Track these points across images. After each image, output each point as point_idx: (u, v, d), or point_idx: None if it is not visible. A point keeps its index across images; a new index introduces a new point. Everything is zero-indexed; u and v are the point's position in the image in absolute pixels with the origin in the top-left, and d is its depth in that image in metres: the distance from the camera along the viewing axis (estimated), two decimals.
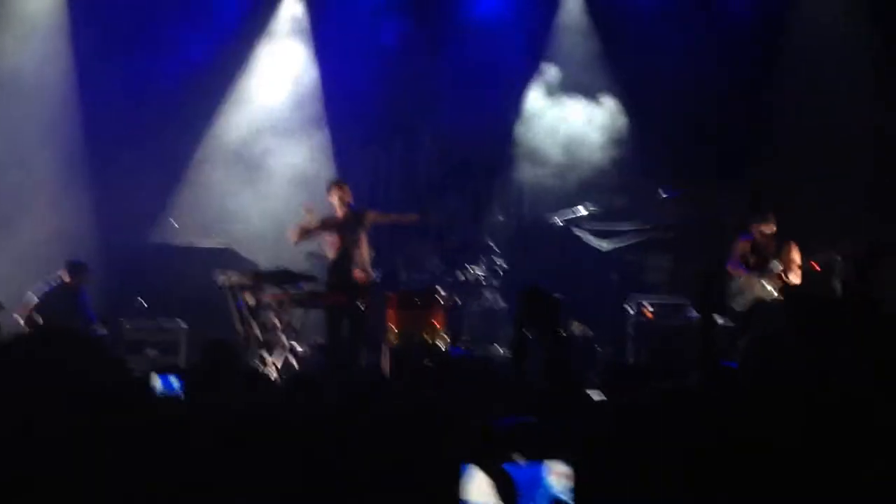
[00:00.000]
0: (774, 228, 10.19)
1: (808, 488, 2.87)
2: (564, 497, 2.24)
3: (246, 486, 3.28)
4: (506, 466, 2.18)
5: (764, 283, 10.05)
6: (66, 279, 10.82)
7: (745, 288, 10.14)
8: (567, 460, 2.23)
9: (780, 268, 9.97)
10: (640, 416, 2.79)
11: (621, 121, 12.90)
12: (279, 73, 13.62)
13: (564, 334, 10.60)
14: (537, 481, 2.22)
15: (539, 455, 2.22)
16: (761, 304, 9.99)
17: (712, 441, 2.66)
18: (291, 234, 10.26)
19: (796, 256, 10.05)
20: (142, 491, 3.15)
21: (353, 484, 3.04)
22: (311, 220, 10.14)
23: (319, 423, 4.67)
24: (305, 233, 10.24)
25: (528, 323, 5.69)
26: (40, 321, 10.46)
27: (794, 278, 9.96)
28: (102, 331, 10.92)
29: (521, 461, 2.17)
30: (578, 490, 2.20)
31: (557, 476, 2.25)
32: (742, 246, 10.27)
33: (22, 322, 10.54)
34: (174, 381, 5.06)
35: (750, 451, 2.75)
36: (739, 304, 10.15)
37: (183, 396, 5.03)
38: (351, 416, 4.45)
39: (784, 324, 9.49)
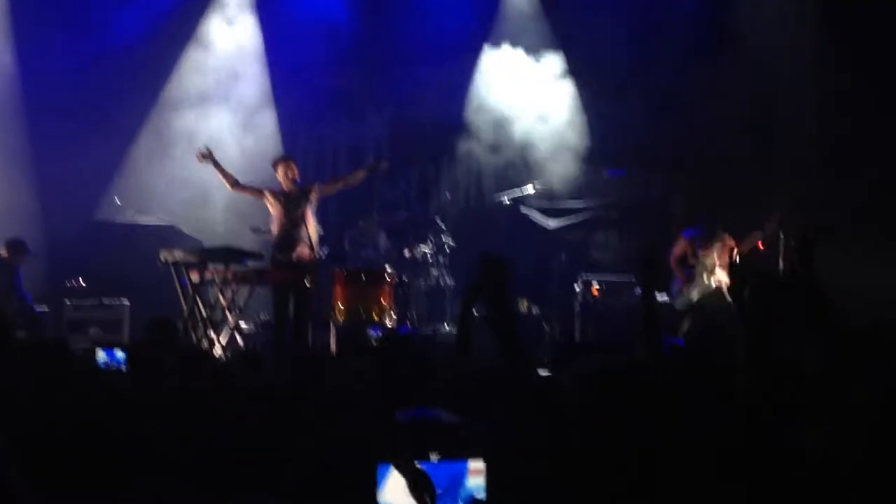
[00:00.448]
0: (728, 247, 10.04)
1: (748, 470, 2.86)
2: (480, 496, 2.11)
3: (173, 464, 3.21)
4: (423, 465, 2.08)
5: (700, 278, 9.97)
6: (4, 255, 10.57)
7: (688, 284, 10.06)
8: (483, 457, 2.13)
9: (723, 280, 9.83)
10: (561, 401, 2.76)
11: (571, 101, 12.92)
12: (225, 47, 13.45)
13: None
14: (456, 480, 2.12)
15: (456, 453, 2.12)
16: (707, 298, 9.89)
17: (641, 430, 2.60)
18: (225, 185, 10.26)
19: (729, 254, 9.94)
20: (85, 466, 3.08)
21: (273, 470, 2.99)
22: (213, 161, 10.20)
23: (259, 402, 4.64)
24: (238, 183, 10.23)
25: (481, 295, 5.62)
26: None
27: (726, 277, 9.87)
28: (40, 308, 10.75)
29: (438, 459, 2.08)
30: (493, 488, 2.11)
31: (475, 474, 2.15)
32: (683, 245, 10.16)
33: None
34: (118, 354, 5.02)
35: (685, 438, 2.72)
36: (680, 303, 10.06)
37: (126, 369, 4.99)
38: (289, 395, 4.41)
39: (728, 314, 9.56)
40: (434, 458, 2.04)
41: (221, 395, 4.19)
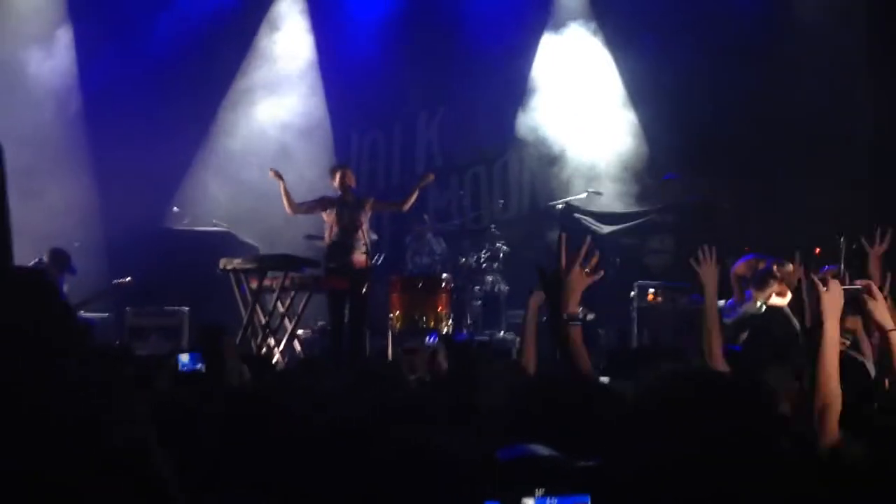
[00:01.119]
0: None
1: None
2: None
3: (241, 473, 3.22)
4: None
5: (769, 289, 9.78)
6: (48, 265, 10.56)
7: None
8: (590, 492, 2.07)
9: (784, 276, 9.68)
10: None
11: (625, 107, 12.88)
12: (279, 55, 13.58)
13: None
14: None
15: (561, 489, 2.06)
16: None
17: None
18: (286, 208, 10.30)
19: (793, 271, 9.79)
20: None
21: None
22: (282, 183, 10.18)
23: (322, 408, 4.67)
24: (298, 204, 10.28)
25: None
26: None
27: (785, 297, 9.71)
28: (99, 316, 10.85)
29: (543, 495, 1.99)
30: None
31: None
32: (744, 267, 10.01)
33: None
34: (195, 359, 5.15)
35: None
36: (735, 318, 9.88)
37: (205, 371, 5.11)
38: (356, 406, 4.44)
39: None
40: (539, 493, 1.98)
41: (288, 401, 4.21)
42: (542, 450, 2.22)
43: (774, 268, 9.19)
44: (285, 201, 10.32)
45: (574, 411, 3.19)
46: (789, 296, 9.57)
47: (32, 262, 10.49)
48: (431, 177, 10.76)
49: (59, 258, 10.58)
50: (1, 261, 2.92)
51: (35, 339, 2.20)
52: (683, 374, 2.72)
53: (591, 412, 3.22)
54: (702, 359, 4.88)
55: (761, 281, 8.52)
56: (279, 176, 10.27)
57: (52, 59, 12.77)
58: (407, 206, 10.58)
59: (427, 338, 10.01)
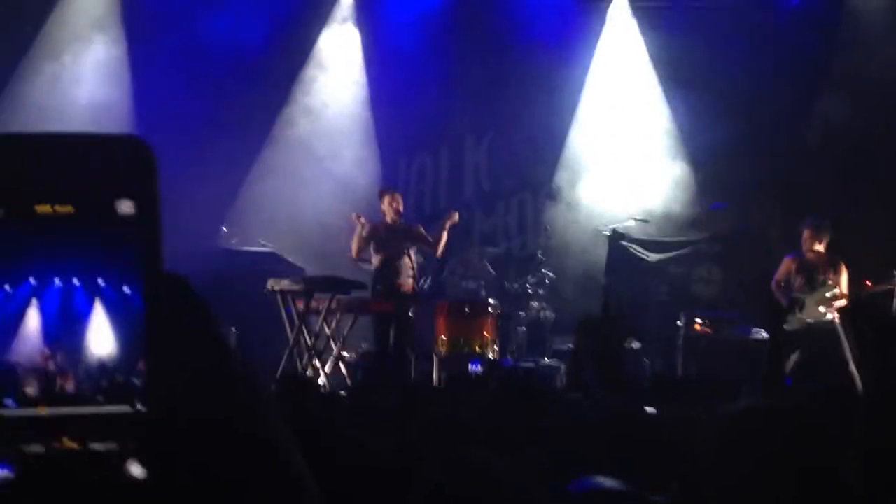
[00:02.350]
0: (825, 246, 9.85)
1: None
2: None
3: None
4: None
5: (817, 305, 9.70)
6: None
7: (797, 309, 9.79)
8: None
9: (837, 293, 9.62)
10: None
11: (672, 132, 12.83)
12: (330, 82, 13.66)
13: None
14: None
15: None
16: (814, 327, 9.65)
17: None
18: (353, 250, 10.24)
19: (846, 278, 9.74)
20: None
21: None
22: (364, 229, 10.13)
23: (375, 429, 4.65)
24: (361, 249, 10.23)
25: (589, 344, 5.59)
26: None
27: (844, 301, 9.64)
28: None
29: None
30: None
31: None
32: (787, 265, 9.94)
33: None
34: None
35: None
36: (791, 324, 9.81)
37: None
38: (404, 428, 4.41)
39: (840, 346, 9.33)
40: None
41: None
42: (611, 483, 2.19)
43: None
44: (355, 245, 10.26)
45: (637, 442, 3.14)
46: None
47: None
48: (456, 217, 10.66)
49: None
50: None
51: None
52: (779, 410, 2.63)
53: (655, 444, 3.17)
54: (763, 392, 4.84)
55: None
56: (360, 220, 10.21)
57: (107, 77, 12.91)
58: (440, 252, 10.53)
59: (470, 365, 10.02)
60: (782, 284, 9.84)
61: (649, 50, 13.20)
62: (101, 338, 0.99)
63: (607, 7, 13.46)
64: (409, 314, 9.98)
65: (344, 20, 13.88)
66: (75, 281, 0.95)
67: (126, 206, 0.89)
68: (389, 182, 12.61)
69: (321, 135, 13.48)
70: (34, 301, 0.94)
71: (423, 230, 10.44)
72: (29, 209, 0.88)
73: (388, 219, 10.24)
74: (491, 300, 10.80)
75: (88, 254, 0.93)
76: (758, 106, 12.27)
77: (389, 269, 10.13)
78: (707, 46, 12.46)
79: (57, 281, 0.94)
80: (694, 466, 2.56)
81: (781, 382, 5.82)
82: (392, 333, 10.02)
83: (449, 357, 10.21)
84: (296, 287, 10.03)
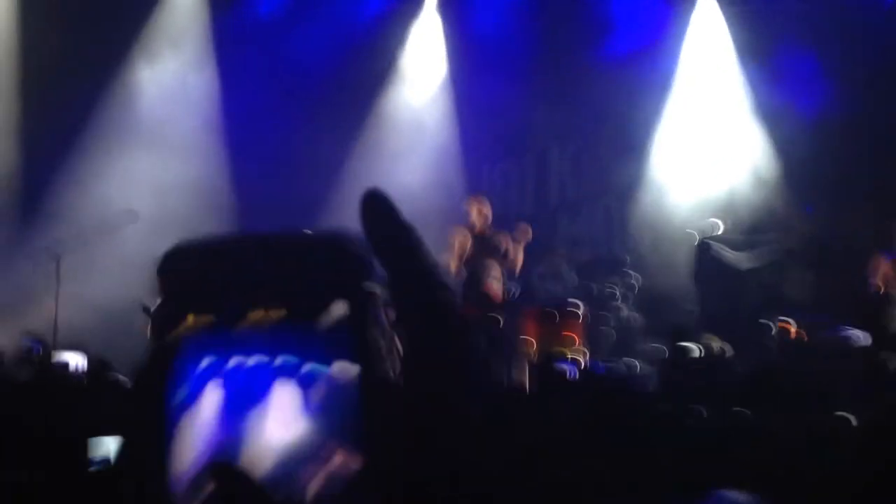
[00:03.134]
0: None
1: None
2: None
3: None
4: None
5: None
6: None
7: None
8: None
9: None
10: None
11: (764, 136, 12.66)
12: (415, 86, 13.76)
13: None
14: None
15: None
16: None
17: None
18: (453, 267, 10.20)
19: None
20: None
21: None
22: (463, 246, 10.11)
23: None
24: (460, 266, 10.21)
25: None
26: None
27: None
28: None
29: None
30: None
31: None
32: (882, 265, 9.70)
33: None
34: None
35: None
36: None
37: None
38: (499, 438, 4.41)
39: None
40: None
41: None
42: (743, 497, 2.13)
43: None
44: (455, 263, 10.24)
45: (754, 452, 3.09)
46: None
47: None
48: (529, 232, 10.51)
49: None
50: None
51: None
52: None
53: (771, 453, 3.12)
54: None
55: None
56: (462, 242, 10.20)
57: (198, 91, 13.13)
58: (517, 268, 10.44)
59: (567, 369, 9.96)
60: (881, 284, 9.61)
61: (738, 52, 13.04)
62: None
63: (693, 8, 13.33)
64: (499, 320, 9.98)
65: (428, 26, 13.96)
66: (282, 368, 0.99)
67: (339, 307, 0.91)
68: (472, 190, 12.65)
69: (406, 143, 13.56)
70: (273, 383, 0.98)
71: (510, 241, 10.37)
72: (241, 315, 0.91)
73: (476, 225, 10.25)
74: (580, 305, 10.76)
75: (297, 348, 0.96)
76: (852, 107, 12.04)
77: (478, 275, 10.14)
78: (799, 46, 12.27)
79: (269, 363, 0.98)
80: (819, 473, 2.51)
81: (885, 388, 5.68)
82: (482, 340, 10.01)
83: (539, 362, 10.19)
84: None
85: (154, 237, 11.91)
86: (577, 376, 9.38)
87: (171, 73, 13.07)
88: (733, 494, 2.10)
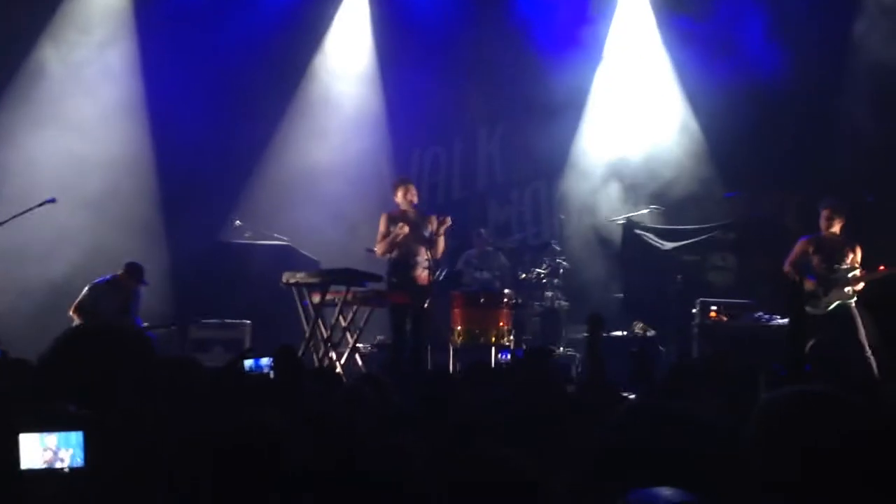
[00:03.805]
0: (840, 228, 9.77)
1: None
2: None
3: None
4: None
5: (841, 286, 9.59)
6: (123, 278, 10.60)
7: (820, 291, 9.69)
8: None
9: (858, 273, 9.54)
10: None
11: (688, 120, 12.79)
12: (342, 71, 13.68)
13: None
14: None
15: None
16: (833, 312, 9.55)
17: None
18: (379, 250, 10.13)
19: (859, 259, 9.66)
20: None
21: None
22: (389, 229, 10.04)
23: (391, 423, 4.65)
24: (384, 248, 10.13)
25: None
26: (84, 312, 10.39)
27: (863, 283, 9.57)
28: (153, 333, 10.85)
29: None
30: None
31: None
32: (803, 245, 9.83)
33: (70, 311, 10.51)
34: (264, 361, 5.29)
35: None
36: (814, 309, 9.55)
37: (272, 375, 5.21)
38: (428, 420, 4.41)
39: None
40: None
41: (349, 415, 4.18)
42: (669, 492, 2.04)
43: None
44: (381, 247, 10.10)
45: (674, 443, 2.94)
46: None
47: (110, 276, 10.61)
48: (449, 221, 10.45)
49: (135, 271, 10.65)
50: None
51: None
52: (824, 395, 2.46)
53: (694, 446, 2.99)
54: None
55: None
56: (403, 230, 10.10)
57: (117, 72, 12.89)
58: (439, 255, 10.40)
59: (500, 355, 10.02)
60: (797, 264, 9.71)
61: (662, 33, 13.15)
62: None
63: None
64: (425, 305, 9.98)
65: (356, 8, 13.88)
66: None
67: None
68: (403, 173, 12.63)
69: (333, 127, 13.49)
70: None
71: (435, 222, 10.37)
72: None
73: (403, 209, 10.22)
74: (506, 290, 10.82)
75: None
76: (774, 93, 12.21)
77: (405, 260, 10.11)
78: (724, 28, 12.39)
79: None
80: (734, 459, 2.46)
81: (804, 368, 5.77)
82: (408, 325, 10.02)
83: (465, 347, 10.24)
84: (311, 280, 10.07)
85: (75, 216, 11.78)
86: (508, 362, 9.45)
87: (93, 53, 12.79)
88: (658, 491, 2.00)
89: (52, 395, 2.52)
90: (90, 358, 2.98)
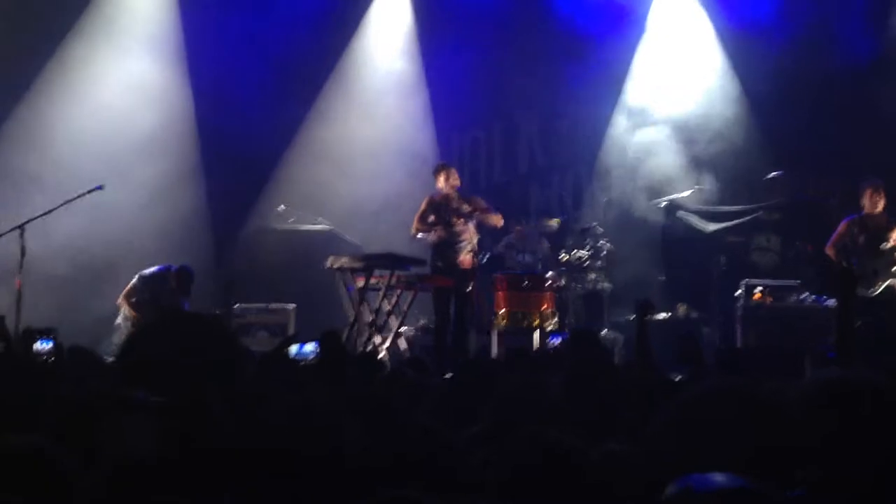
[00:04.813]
0: (883, 206, 9.65)
1: None
2: None
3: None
4: None
5: (889, 266, 9.46)
6: (172, 278, 10.64)
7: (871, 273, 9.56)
8: None
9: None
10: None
11: (731, 100, 12.68)
12: (383, 56, 13.69)
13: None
14: None
15: None
16: (879, 297, 9.44)
17: None
18: (413, 229, 10.25)
19: None
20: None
21: None
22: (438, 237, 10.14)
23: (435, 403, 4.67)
24: (420, 227, 10.24)
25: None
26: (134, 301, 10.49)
27: None
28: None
29: None
30: None
31: None
32: (846, 227, 9.74)
33: (119, 300, 10.64)
34: (309, 347, 5.34)
35: None
36: (862, 289, 9.29)
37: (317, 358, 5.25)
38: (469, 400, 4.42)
39: None
40: None
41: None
42: (723, 478, 1.92)
43: None
44: (418, 228, 10.28)
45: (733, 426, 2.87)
46: None
47: (161, 268, 10.70)
48: (500, 219, 10.56)
49: (184, 280, 10.63)
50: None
51: None
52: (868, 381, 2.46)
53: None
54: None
55: None
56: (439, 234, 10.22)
57: (161, 59, 12.97)
58: (501, 222, 10.52)
59: (550, 339, 10.05)
60: (839, 246, 9.64)
61: (709, 15, 13.02)
62: None
63: None
64: (469, 289, 10.03)
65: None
66: None
67: None
68: (444, 157, 12.66)
69: (377, 113, 13.50)
70: None
71: (478, 202, 10.43)
72: None
73: (445, 193, 10.26)
74: (549, 273, 10.82)
75: None
76: (821, 74, 12.07)
77: (448, 244, 10.17)
78: (770, 10, 12.26)
79: None
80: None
81: (853, 351, 5.71)
82: (452, 308, 10.08)
83: (508, 331, 10.27)
84: (355, 264, 10.14)
85: (122, 201, 11.90)
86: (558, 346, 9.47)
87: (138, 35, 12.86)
88: (711, 476, 1.93)
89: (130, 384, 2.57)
90: (177, 344, 3.02)
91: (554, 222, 12.13)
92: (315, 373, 5.67)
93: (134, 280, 10.67)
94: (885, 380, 2.43)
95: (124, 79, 12.54)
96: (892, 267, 9.43)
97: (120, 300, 10.66)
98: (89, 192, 10.19)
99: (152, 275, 10.65)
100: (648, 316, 5.43)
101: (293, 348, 5.47)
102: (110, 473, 1.91)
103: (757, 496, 1.81)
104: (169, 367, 2.89)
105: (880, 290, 9.45)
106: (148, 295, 10.54)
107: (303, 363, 5.67)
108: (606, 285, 11.75)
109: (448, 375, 5.80)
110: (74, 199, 10.14)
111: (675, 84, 12.92)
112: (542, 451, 2.85)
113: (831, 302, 10.24)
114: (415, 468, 3.09)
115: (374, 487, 2.34)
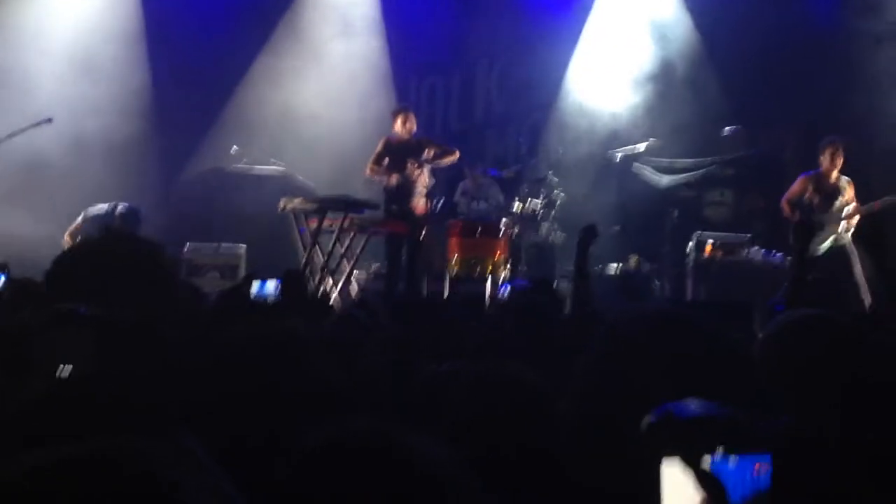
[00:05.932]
0: (840, 164, 9.76)
1: None
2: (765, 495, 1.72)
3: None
4: (711, 465, 1.72)
5: (836, 223, 9.61)
6: (117, 219, 10.35)
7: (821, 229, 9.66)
8: (769, 452, 1.84)
9: (853, 208, 9.59)
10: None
11: (689, 54, 12.68)
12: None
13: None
14: (740, 479, 1.74)
15: (738, 448, 1.71)
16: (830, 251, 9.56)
17: None
18: (368, 170, 10.24)
19: (853, 195, 9.68)
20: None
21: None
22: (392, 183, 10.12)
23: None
24: (375, 167, 10.23)
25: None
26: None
27: (858, 217, 9.60)
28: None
29: (725, 457, 1.72)
30: (779, 486, 1.78)
31: (758, 471, 1.75)
32: (803, 183, 9.84)
33: (66, 237, 10.46)
34: (270, 286, 5.26)
35: None
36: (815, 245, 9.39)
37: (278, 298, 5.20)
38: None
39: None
40: (720, 452, 1.73)
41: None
42: (703, 405, 1.87)
43: None
44: (373, 170, 10.31)
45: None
46: None
47: (107, 208, 10.52)
48: (456, 155, 10.73)
49: (130, 222, 10.37)
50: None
51: None
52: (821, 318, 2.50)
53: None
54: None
55: None
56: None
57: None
58: (457, 156, 10.56)
59: (501, 288, 10.05)
60: (794, 201, 9.74)
61: None
62: None
63: None
64: (422, 234, 10.00)
65: None
66: None
67: None
68: (400, 101, 12.55)
69: (333, 55, 13.34)
70: None
71: (433, 145, 10.41)
72: None
73: (401, 137, 10.21)
74: (504, 220, 10.81)
75: None
76: (782, 27, 12.10)
77: (402, 188, 10.14)
78: None
79: None
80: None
81: (803, 305, 5.76)
82: (404, 253, 10.06)
83: (460, 277, 10.26)
84: (309, 206, 10.05)
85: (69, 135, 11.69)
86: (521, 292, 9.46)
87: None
88: (690, 403, 1.88)
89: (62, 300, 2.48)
90: (104, 263, 2.94)
91: (509, 172, 12.12)
92: (277, 312, 5.62)
93: (79, 219, 10.49)
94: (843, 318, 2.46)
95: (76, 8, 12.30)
96: (840, 224, 9.56)
97: (66, 238, 10.47)
98: (37, 124, 9.99)
99: (97, 215, 10.46)
100: (590, 242, 5.38)
101: (254, 287, 5.37)
102: (44, 389, 1.85)
103: (742, 423, 1.81)
104: (99, 284, 2.81)
105: (826, 244, 9.58)
106: (94, 234, 10.33)
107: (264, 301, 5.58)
108: (559, 235, 11.76)
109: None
110: (21, 131, 9.94)
111: (633, 34, 12.90)
112: (503, 384, 2.82)
113: (779, 256, 10.35)
114: (376, 403, 3.08)
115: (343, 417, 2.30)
